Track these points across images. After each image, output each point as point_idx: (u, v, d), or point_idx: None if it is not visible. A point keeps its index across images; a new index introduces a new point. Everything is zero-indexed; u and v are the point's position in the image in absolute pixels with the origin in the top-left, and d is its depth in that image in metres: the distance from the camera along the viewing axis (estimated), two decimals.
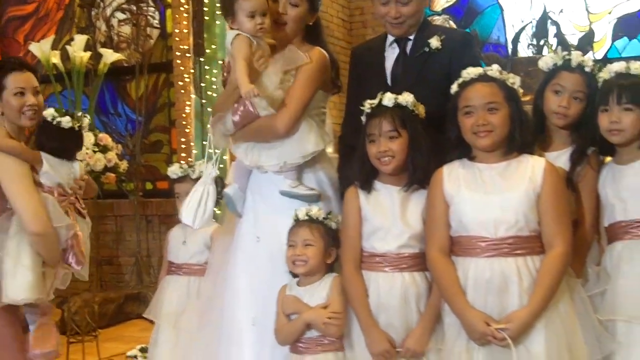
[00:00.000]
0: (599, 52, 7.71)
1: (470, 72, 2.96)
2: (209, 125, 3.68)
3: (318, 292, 3.15)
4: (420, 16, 3.46)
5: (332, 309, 3.09)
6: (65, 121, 3.66)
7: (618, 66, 3.02)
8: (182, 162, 4.16)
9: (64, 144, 3.69)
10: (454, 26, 8.16)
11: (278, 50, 3.39)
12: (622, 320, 2.86)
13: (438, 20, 8.33)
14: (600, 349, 2.84)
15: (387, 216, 3.05)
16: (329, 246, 3.17)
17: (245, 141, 3.41)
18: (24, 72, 3.56)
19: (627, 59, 7.24)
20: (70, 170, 3.68)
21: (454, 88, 2.98)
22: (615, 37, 7.75)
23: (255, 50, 3.27)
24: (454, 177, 2.95)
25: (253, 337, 3.32)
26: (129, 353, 4.20)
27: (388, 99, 3.06)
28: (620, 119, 2.94)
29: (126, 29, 8.29)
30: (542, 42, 7.02)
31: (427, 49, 3.38)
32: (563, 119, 3.10)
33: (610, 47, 7.77)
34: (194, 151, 7.02)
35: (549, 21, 7.30)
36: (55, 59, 6.35)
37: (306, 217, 3.19)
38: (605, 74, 3.03)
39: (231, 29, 3.38)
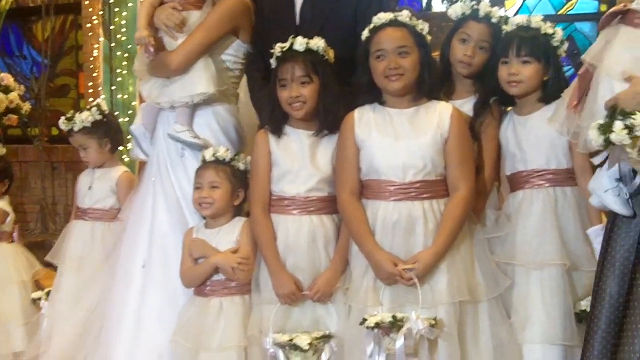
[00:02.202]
0: (510, 10, 7.83)
1: (381, 17, 2.98)
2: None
3: (227, 236, 3.16)
4: None
5: (241, 253, 3.11)
6: None
7: (520, 19, 3.09)
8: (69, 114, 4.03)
9: None
10: None
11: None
12: (519, 264, 2.98)
13: None
14: (496, 288, 2.96)
15: (297, 160, 3.07)
16: (236, 188, 3.17)
17: (150, 75, 3.44)
18: None
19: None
20: None
21: (365, 33, 3.00)
22: None
23: None
24: (365, 121, 2.98)
25: (140, 279, 3.35)
26: (33, 295, 4.12)
27: (299, 43, 3.05)
28: (519, 71, 3.01)
29: None
30: None
31: None
32: (467, 67, 3.16)
33: (522, 5, 7.89)
34: (102, 96, 6.84)
35: None
36: None
37: (213, 158, 3.16)
38: (508, 26, 3.10)
39: None
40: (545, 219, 2.99)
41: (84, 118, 3.95)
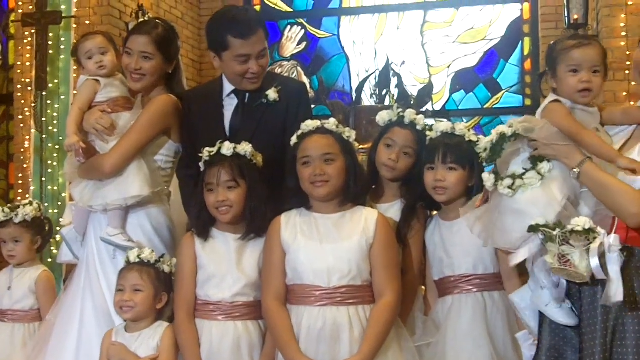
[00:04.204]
0: (437, 104, 8.03)
1: (308, 125, 3.04)
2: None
3: (147, 341, 3.08)
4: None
5: None
6: None
7: (444, 126, 3.16)
8: (7, 205, 4.00)
9: None
10: (302, 72, 8.35)
11: (145, 100, 3.47)
12: None
13: (287, 66, 8.47)
14: None
15: (223, 264, 3.06)
16: (159, 291, 3.12)
17: (82, 178, 3.41)
18: None
19: (464, 111, 7.57)
20: None
21: (294, 140, 3.05)
22: (453, 90, 8.13)
23: (104, 87, 3.40)
24: (292, 225, 3.00)
25: None
26: None
27: (227, 148, 3.08)
28: (445, 177, 3.08)
29: None
30: (384, 92, 7.25)
31: (264, 101, 3.42)
32: (391, 171, 3.22)
33: (448, 99, 8.12)
34: (32, 187, 6.74)
35: (391, 72, 7.56)
36: None
37: (137, 260, 3.14)
38: (433, 132, 3.18)
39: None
40: (475, 326, 3.00)
41: (27, 211, 3.91)
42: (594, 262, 2.47)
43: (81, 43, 3.51)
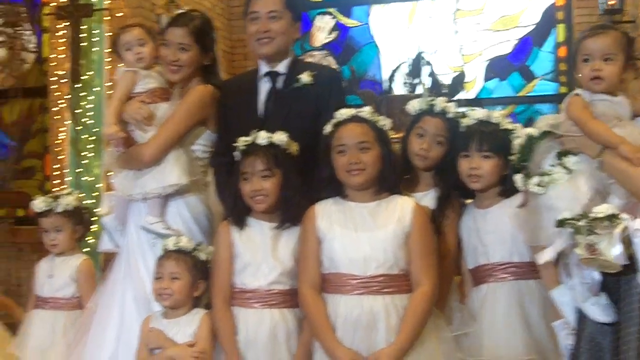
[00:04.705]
0: (470, 92, 7.99)
1: (343, 113, 3.04)
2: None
3: (185, 328, 3.12)
4: (288, 42, 3.51)
5: (198, 348, 3.06)
6: None
7: (480, 114, 3.15)
8: (48, 195, 4.06)
9: None
10: (333, 62, 8.32)
11: (182, 91, 3.51)
12: None
13: (317, 56, 8.46)
14: None
15: (259, 252, 3.07)
16: (196, 279, 3.15)
17: (121, 168, 3.46)
18: None
19: (498, 99, 7.51)
20: None
21: (328, 128, 3.05)
22: (486, 78, 8.07)
23: (143, 79, 3.44)
24: (327, 214, 3.00)
25: None
26: None
27: (262, 137, 3.10)
28: (480, 165, 3.07)
29: (0, 52, 8.05)
30: (416, 81, 7.24)
31: (297, 85, 3.43)
32: (424, 161, 3.21)
33: (482, 87, 8.07)
34: (68, 178, 6.82)
35: (424, 61, 7.53)
36: None
37: (175, 248, 3.17)
38: (467, 120, 3.16)
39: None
40: (511, 314, 2.99)
41: (68, 201, 3.96)
42: (618, 247, 2.46)
43: (120, 35, 3.56)
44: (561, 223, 2.62)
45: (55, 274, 3.98)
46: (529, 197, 2.87)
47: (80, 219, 4.04)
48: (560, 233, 2.67)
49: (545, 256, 2.77)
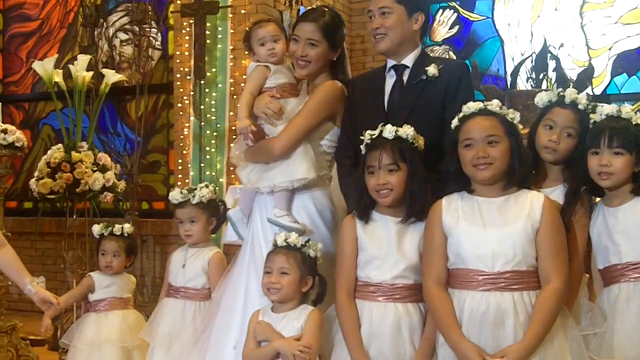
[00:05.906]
0: (598, 88, 7.72)
1: (470, 107, 2.99)
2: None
3: (292, 322, 3.13)
4: (405, 36, 3.48)
5: (304, 342, 3.06)
6: None
7: (609, 109, 3.03)
8: (182, 188, 4.17)
9: None
10: (454, 57, 8.20)
11: (310, 87, 3.58)
12: None
13: (438, 50, 8.37)
14: None
15: (383, 246, 3.06)
16: (305, 275, 3.16)
17: (248, 161, 3.53)
18: None
19: (627, 95, 7.23)
20: None
21: (455, 122, 3.01)
22: (614, 73, 7.78)
23: (273, 74, 3.49)
24: (453, 209, 2.96)
25: None
26: None
27: (388, 131, 3.07)
28: (611, 163, 2.95)
29: (128, 50, 8.29)
30: (541, 76, 7.03)
31: (424, 77, 3.40)
32: (552, 153, 3.11)
33: (609, 83, 7.78)
34: (191, 173, 6.99)
35: (549, 55, 7.32)
36: (58, 77, 6.37)
37: (284, 244, 3.19)
38: (597, 115, 3.04)
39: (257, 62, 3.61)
40: None
41: (203, 193, 4.05)
42: None
43: (254, 30, 3.62)
44: None
45: (188, 265, 4.08)
46: None
47: (215, 211, 4.12)
48: None
49: None
